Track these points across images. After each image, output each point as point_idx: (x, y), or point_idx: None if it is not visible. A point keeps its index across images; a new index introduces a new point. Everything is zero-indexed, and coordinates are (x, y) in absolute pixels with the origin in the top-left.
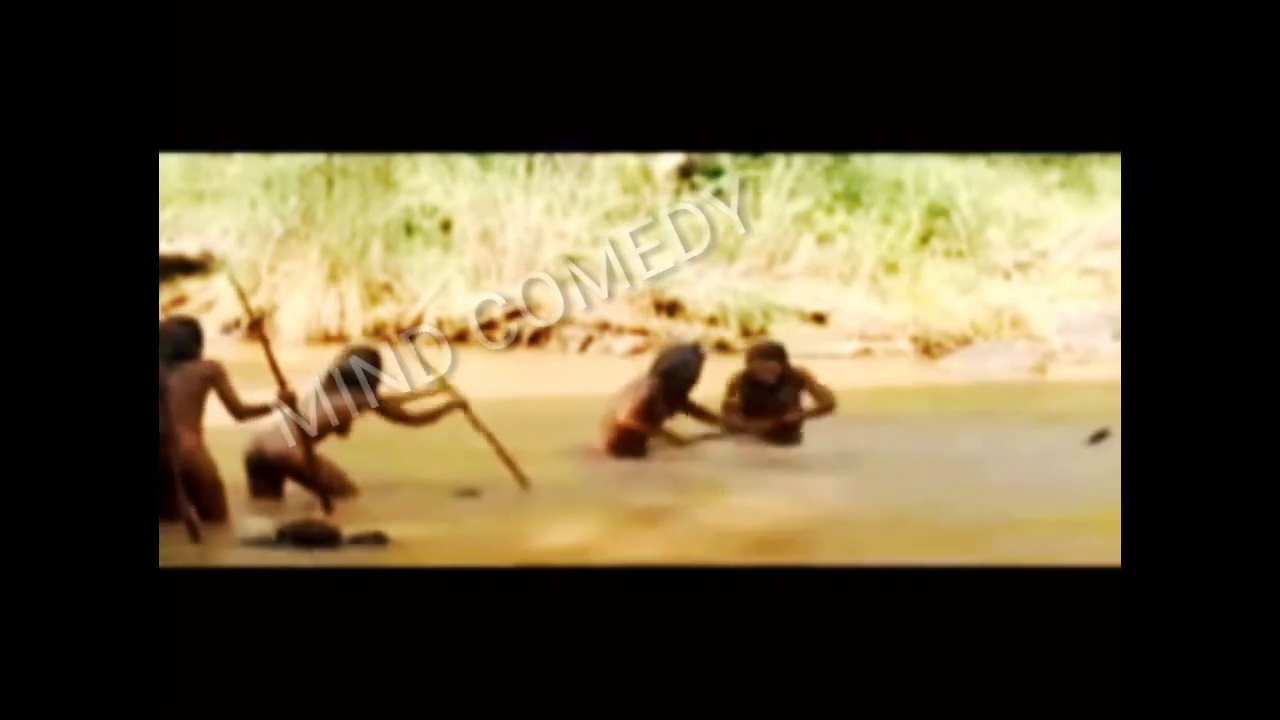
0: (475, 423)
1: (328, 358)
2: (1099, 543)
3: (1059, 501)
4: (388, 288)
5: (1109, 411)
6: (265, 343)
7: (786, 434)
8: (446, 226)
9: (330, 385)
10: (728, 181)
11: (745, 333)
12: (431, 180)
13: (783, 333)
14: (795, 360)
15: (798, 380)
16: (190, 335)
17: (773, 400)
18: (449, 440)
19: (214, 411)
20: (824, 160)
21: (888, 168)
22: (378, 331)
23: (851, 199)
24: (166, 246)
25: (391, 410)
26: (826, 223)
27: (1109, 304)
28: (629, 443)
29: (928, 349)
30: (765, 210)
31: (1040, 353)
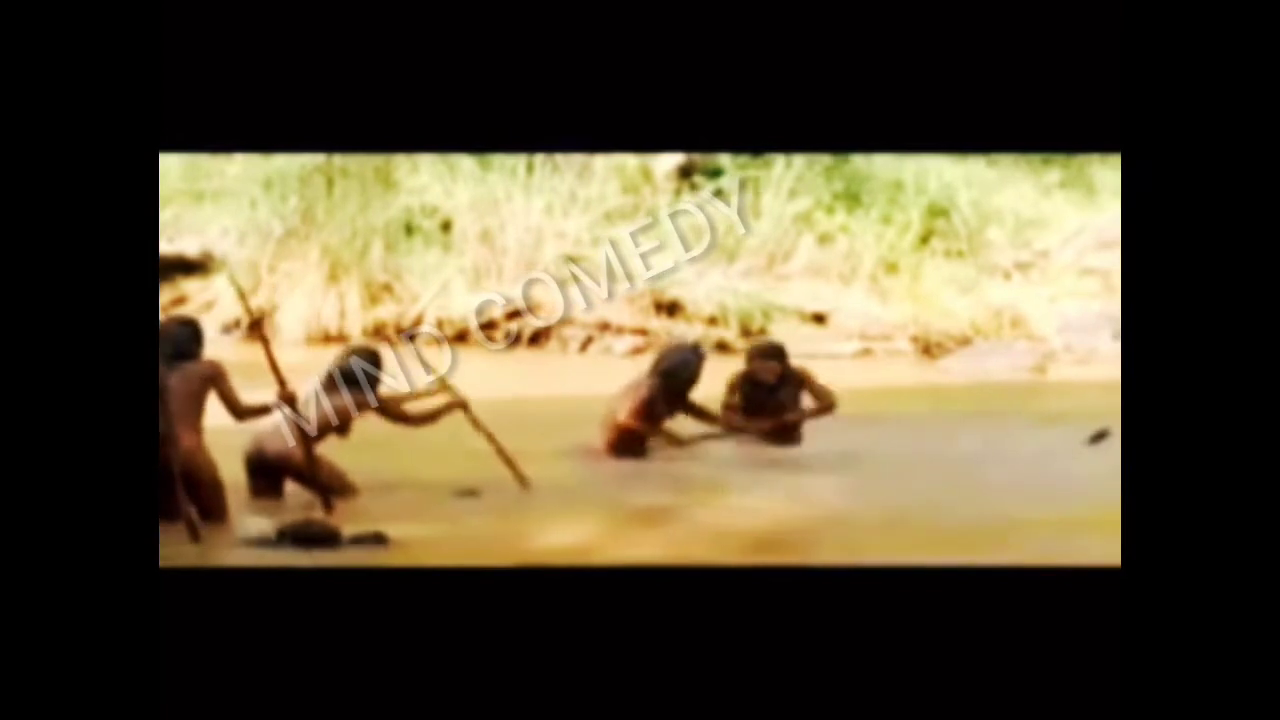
0: (475, 422)
1: (328, 358)
2: (1099, 543)
3: (1059, 502)
4: (388, 288)
5: (1109, 412)
6: (265, 343)
7: (787, 434)
8: (447, 226)
9: (330, 385)
10: (728, 181)
11: (745, 333)
12: (431, 180)
13: (783, 333)
14: (795, 360)
15: (798, 380)
16: (190, 335)
17: (773, 400)
18: (449, 440)
19: (214, 411)
20: (824, 160)
21: (888, 168)
22: (378, 331)
23: (851, 199)
24: (167, 246)
25: (391, 410)
26: (826, 223)
27: (1109, 304)
28: (629, 443)
29: (928, 349)
30: (765, 210)
31: (1040, 353)
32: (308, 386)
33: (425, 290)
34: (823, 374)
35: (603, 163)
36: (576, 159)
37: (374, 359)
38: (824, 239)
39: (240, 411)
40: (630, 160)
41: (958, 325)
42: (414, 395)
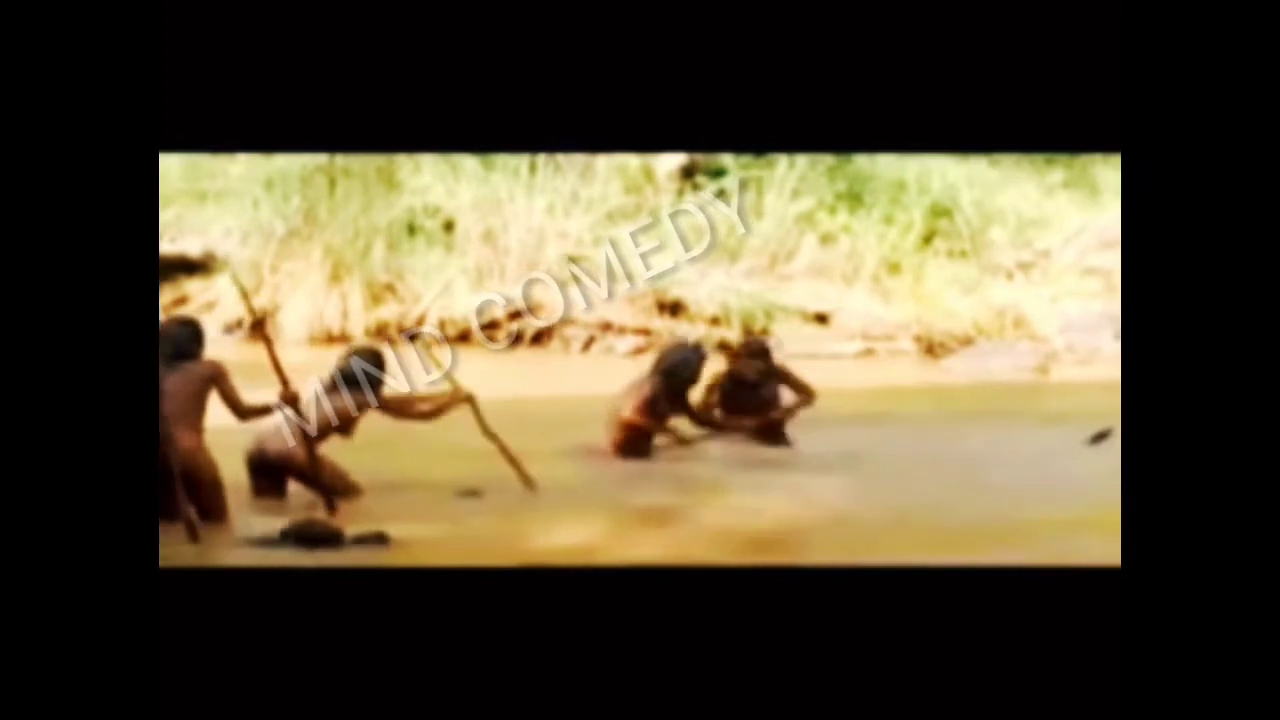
0: (481, 419)
1: (330, 358)
2: (1100, 543)
3: (1060, 502)
4: (390, 288)
5: (1111, 412)
6: (268, 343)
7: (774, 432)
8: (449, 226)
9: (334, 385)
10: (729, 182)
11: (747, 333)
12: (434, 180)
13: (785, 333)
14: (799, 360)
15: (779, 376)
16: (191, 335)
17: (755, 398)
18: (452, 440)
19: (215, 411)
20: (827, 160)
21: (890, 168)
22: (380, 331)
23: (854, 199)
24: (169, 247)
25: (396, 407)
26: (829, 223)
27: (1111, 304)
28: (635, 440)
29: (930, 349)
30: (768, 210)
31: (1042, 353)
32: (311, 386)
33: (428, 290)
34: (825, 374)
35: (605, 163)
36: (579, 159)
37: (377, 359)
38: (826, 239)
39: (242, 411)
40: (633, 160)
41: (960, 325)
42: (419, 395)
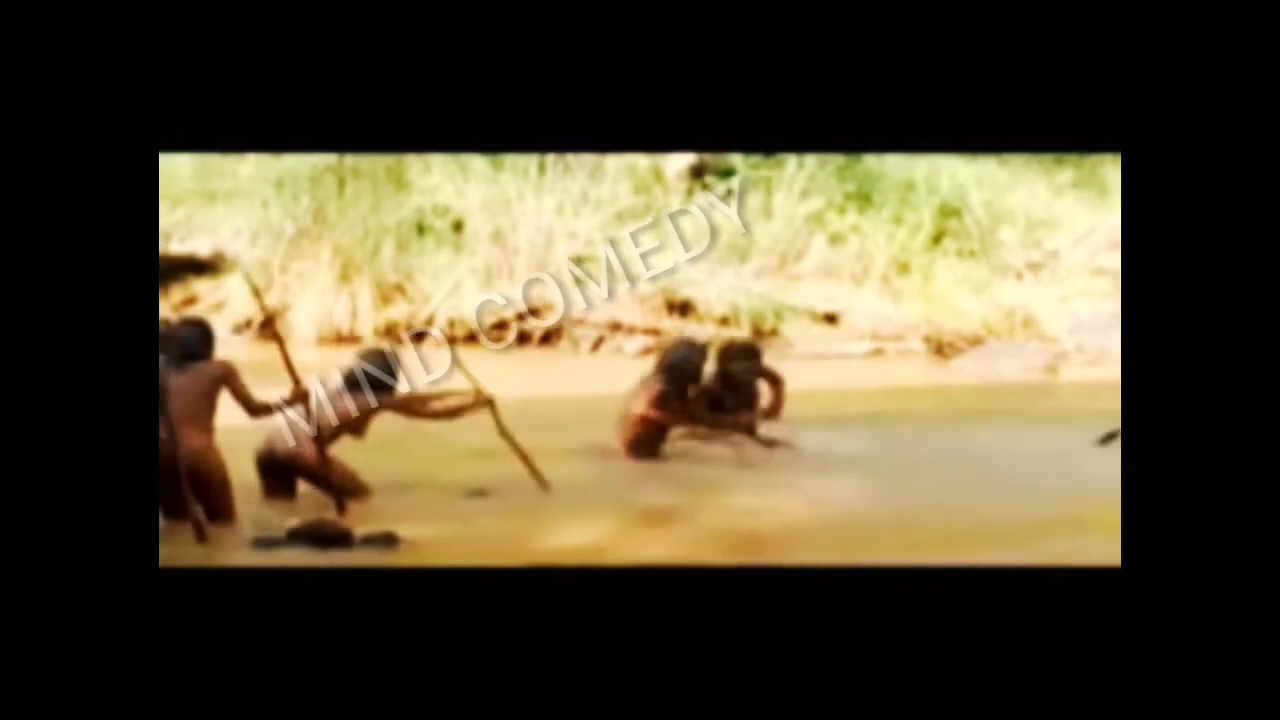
0: (500, 422)
1: (340, 358)
2: (1110, 544)
3: (1070, 502)
4: (399, 288)
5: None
6: (280, 341)
7: (752, 431)
8: (458, 226)
9: (346, 385)
10: (731, 182)
11: (757, 333)
12: (443, 180)
13: (794, 333)
14: (809, 360)
15: (767, 378)
16: (200, 336)
17: (738, 398)
18: (463, 441)
19: (225, 411)
20: (836, 160)
21: (899, 168)
22: (389, 331)
23: (863, 199)
24: (178, 247)
25: (412, 407)
26: (838, 223)
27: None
28: (650, 436)
29: (940, 349)
30: (777, 210)
31: (1052, 353)
32: (322, 386)
33: (437, 290)
34: (835, 374)
35: (614, 163)
36: (588, 159)
37: (390, 360)
38: (836, 239)
39: (254, 408)
40: (642, 160)
41: (969, 325)
42: (438, 395)
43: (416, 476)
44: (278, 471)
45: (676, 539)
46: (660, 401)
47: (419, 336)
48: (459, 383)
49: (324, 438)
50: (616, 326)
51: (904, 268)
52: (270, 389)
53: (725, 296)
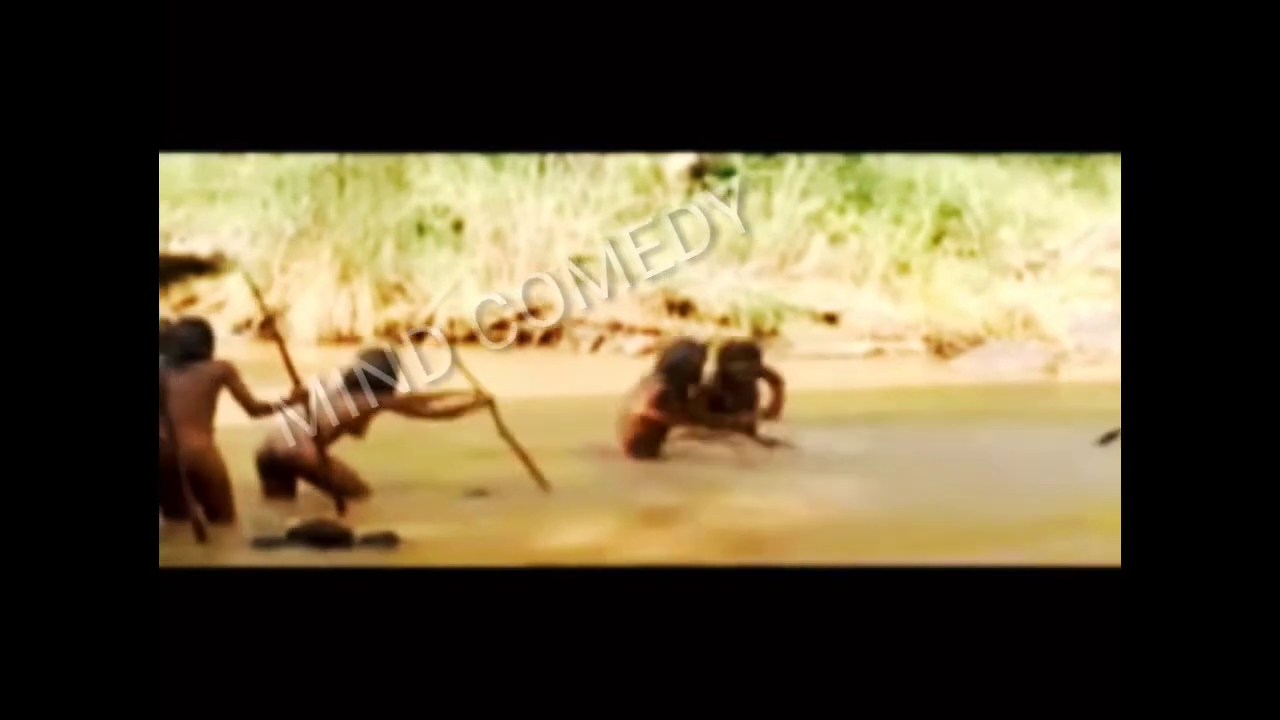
0: (500, 422)
1: (340, 358)
2: (1110, 544)
3: (1070, 502)
4: (399, 288)
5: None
6: (280, 341)
7: (752, 431)
8: (458, 226)
9: (346, 386)
10: (731, 182)
11: (757, 333)
12: (443, 180)
13: (794, 333)
14: (809, 360)
15: (767, 378)
16: (199, 336)
17: (737, 399)
18: (463, 441)
19: (225, 411)
20: (836, 160)
21: (899, 168)
22: (389, 332)
23: (863, 199)
24: (178, 247)
25: (412, 407)
26: (838, 223)
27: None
28: (650, 436)
29: (940, 349)
30: (777, 210)
31: (1052, 353)
32: (323, 386)
33: (437, 290)
34: (835, 374)
35: (614, 163)
36: (588, 159)
37: (390, 360)
38: (836, 239)
39: (254, 408)
40: (642, 160)
41: (969, 325)
42: (438, 395)
43: (416, 476)
44: (278, 471)
45: (677, 539)
46: (660, 401)
47: (419, 336)
48: (459, 383)
49: (324, 438)
50: (616, 326)
51: (904, 268)
52: (270, 389)
53: (725, 296)
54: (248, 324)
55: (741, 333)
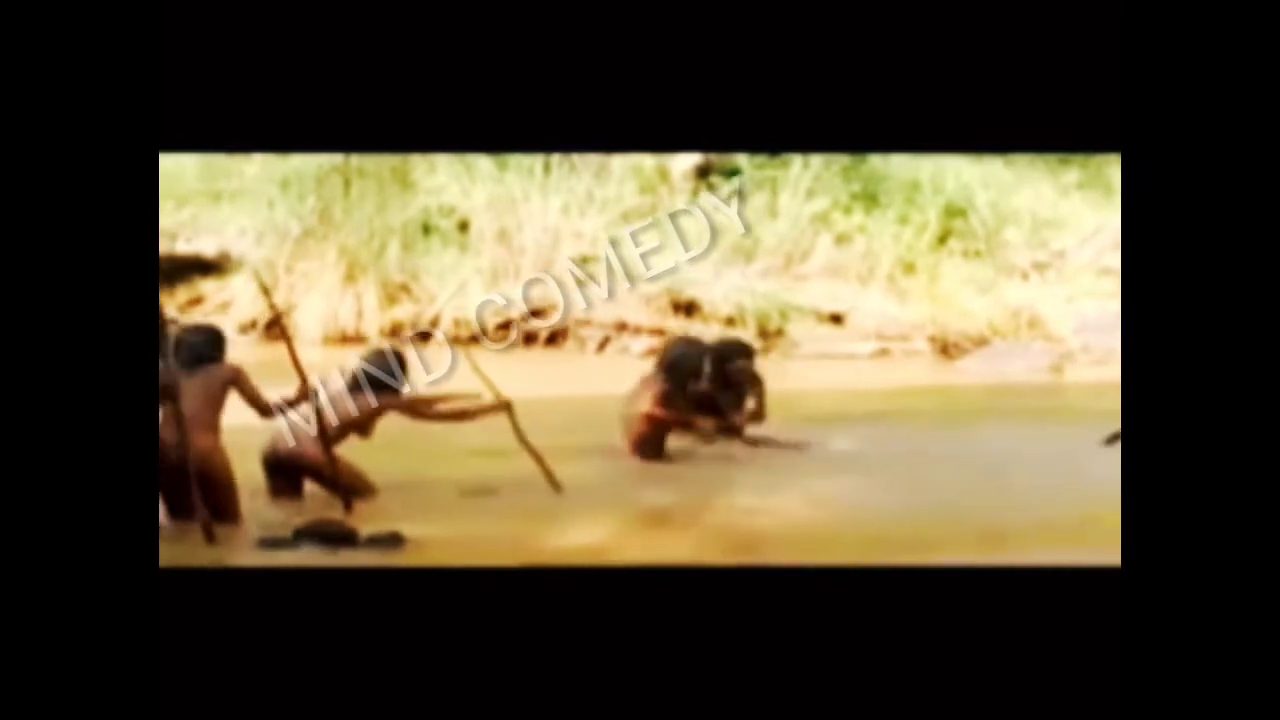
0: (517, 426)
1: (345, 358)
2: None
3: (1076, 503)
4: (405, 288)
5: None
6: (288, 340)
7: (741, 431)
8: (464, 226)
9: (353, 385)
10: (736, 182)
11: (763, 333)
12: (449, 180)
13: (800, 333)
14: (814, 360)
15: (753, 382)
16: (210, 341)
17: (726, 399)
18: (468, 440)
19: (232, 412)
20: (841, 160)
21: (905, 168)
22: (395, 332)
23: (869, 199)
24: (184, 247)
25: (420, 409)
26: (844, 223)
27: None
28: (655, 434)
29: (945, 349)
30: (783, 210)
31: (1058, 353)
32: (329, 386)
33: (442, 290)
34: (840, 374)
35: (620, 163)
36: (593, 159)
37: (397, 360)
38: (841, 239)
39: (265, 409)
40: (647, 160)
41: (975, 325)
42: (451, 398)
43: (422, 476)
44: (284, 471)
45: (683, 539)
46: (665, 399)
47: (424, 337)
48: (468, 384)
49: (331, 437)
50: (622, 327)
51: (910, 268)
52: (276, 389)
53: (731, 297)
54: (253, 324)
55: (747, 332)
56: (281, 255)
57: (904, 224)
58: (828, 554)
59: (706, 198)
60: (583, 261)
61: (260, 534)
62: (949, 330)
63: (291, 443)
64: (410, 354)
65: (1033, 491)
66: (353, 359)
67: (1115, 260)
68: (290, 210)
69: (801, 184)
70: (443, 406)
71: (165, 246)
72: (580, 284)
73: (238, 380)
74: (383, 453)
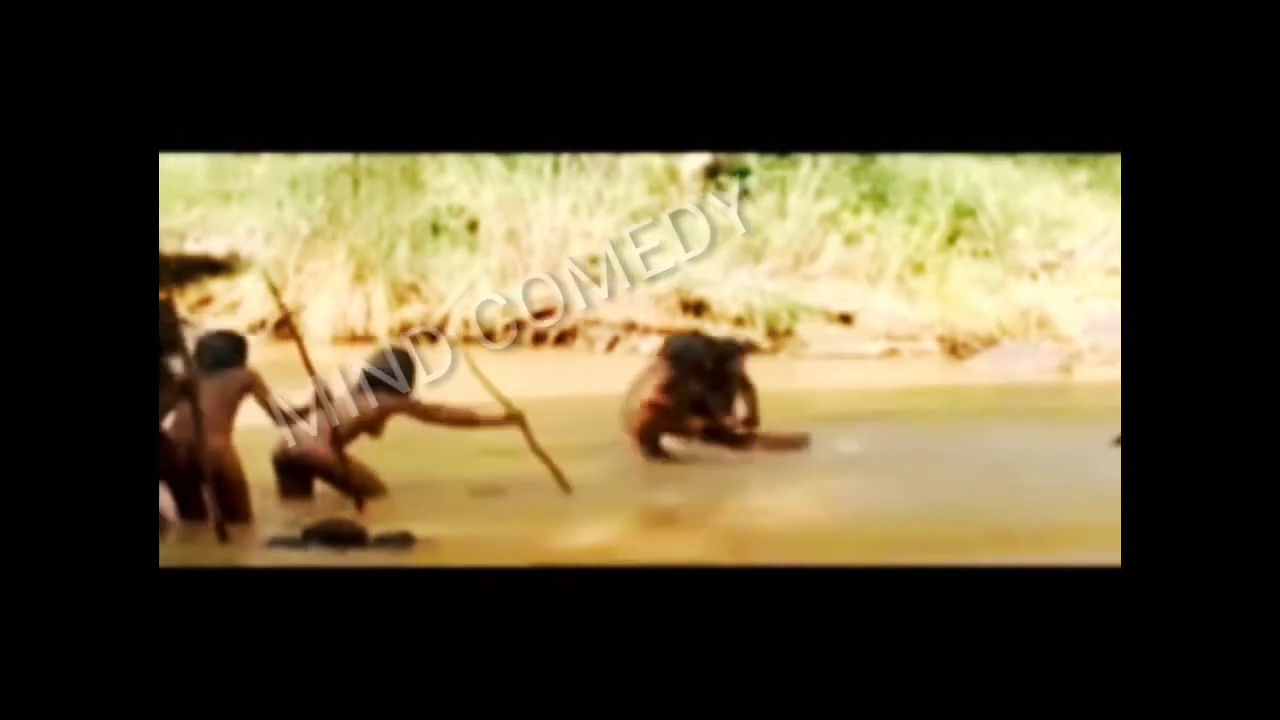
0: (531, 438)
1: (354, 358)
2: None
3: (1084, 503)
4: (414, 288)
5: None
6: (298, 339)
7: (722, 437)
8: (473, 226)
9: (364, 385)
10: (737, 183)
11: (772, 333)
12: (458, 180)
13: (809, 333)
14: (823, 360)
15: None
16: (233, 346)
17: (712, 400)
18: (477, 440)
19: (243, 412)
20: (850, 160)
21: (914, 168)
22: (404, 331)
23: (878, 199)
24: (193, 247)
25: (431, 415)
26: (853, 223)
27: None
28: (658, 423)
29: (954, 349)
30: (792, 210)
31: (1066, 353)
32: (340, 386)
33: (451, 290)
34: (849, 374)
35: (629, 163)
36: (603, 159)
37: (406, 360)
38: (851, 239)
39: (280, 417)
40: (656, 160)
41: (984, 325)
42: (465, 408)
43: (432, 476)
44: (295, 471)
45: (689, 539)
46: (668, 388)
47: (426, 337)
48: (470, 385)
49: (342, 437)
50: (631, 326)
51: (919, 268)
52: (286, 388)
53: (740, 297)
54: (262, 324)
55: (756, 332)
56: (290, 255)
57: (913, 224)
58: (836, 554)
59: (708, 198)
60: (592, 262)
61: (270, 534)
62: (958, 330)
63: (306, 442)
64: (420, 354)
65: (1041, 492)
66: (362, 359)
67: None
68: (299, 210)
69: (811, 184)
70: (452, 411)
71: (174, 246)
72: (583, 285)
73: (254, 386)
74: (393, 453)
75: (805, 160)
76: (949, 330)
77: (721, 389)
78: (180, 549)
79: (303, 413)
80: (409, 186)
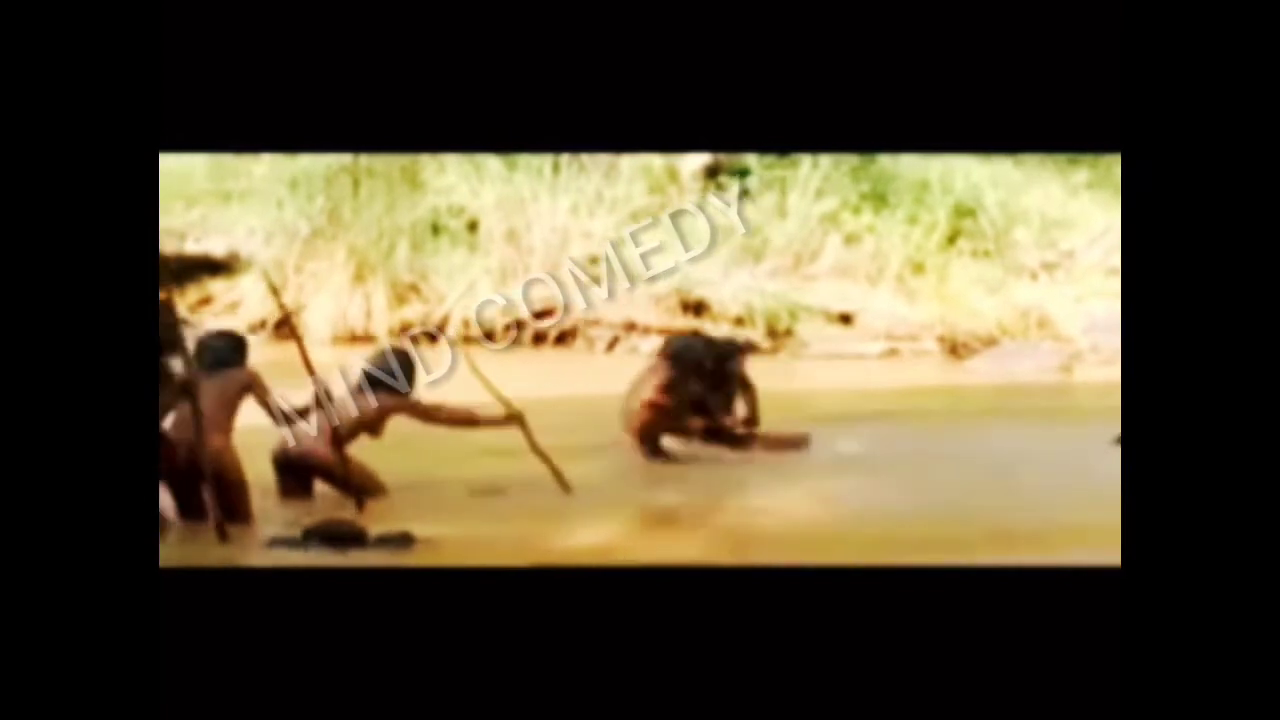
0: (531, 438)
1: (354, 358)
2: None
3: (1085, 503)
4: (414, 288)
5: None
6: (299, 339)
7: (722, 436)
8: (473, 226)
9: (364, 385)
10: (737, 183)
11: (772, 333)
12: (458, 180)
13: (809, 333)
14: (823, 360)
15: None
16: (233, 346)
17: (712, 400)
18: (477, 439)
19: (243, 411)
20: (850, 160)
21: (914, 168)
22: (404, 332)
23: (878, 199)
24: (193, 246)
25: (430, 415)
26: (853, 223)
27: None
28: (658, 422)
29: (954, 349)
30: (792, 210)
31: (1066, 353)
32: (339, 386)
33: (452, 290)
34: (849, 374)
35: (629, 163)
36: (603, 159)
37: (405, 360)
38: (851, 239)
39: (280, 417)
40: (656, 160)
41: (984, 325)
42: (464, 408)
43: (432, 476)
44: (295, 471)
45: (689, 539)
46: (668, 388)
47: (429, 338)
48: (471, 385)
49: (342, 437)
50: (631, 326)
51: (919, 268)
52: (286, 388)
53: (740, 297)
54: (262, 324)
55: (756, 332)
56: (290, 255)
57: (913, 224)
58: (836, 554)
59: (708, 198)
60: (592, 262)
61: (270, 534)
62: (958, 330)
63: (306, 442)
64: (421, 354)
65: (1041, 492)
66: (362, 359)
67: None
68: (299, 210)
69: (811, 184)
70: (452, 411)
71: (174, 246)
72: (581, 284)
73: (254, 386)
74: (393, 452)
75: (805, 160)
76: (949, 330)
77: (721, 389)
78: (180, 549)
79: (303, 413)
80: (409, 186)
